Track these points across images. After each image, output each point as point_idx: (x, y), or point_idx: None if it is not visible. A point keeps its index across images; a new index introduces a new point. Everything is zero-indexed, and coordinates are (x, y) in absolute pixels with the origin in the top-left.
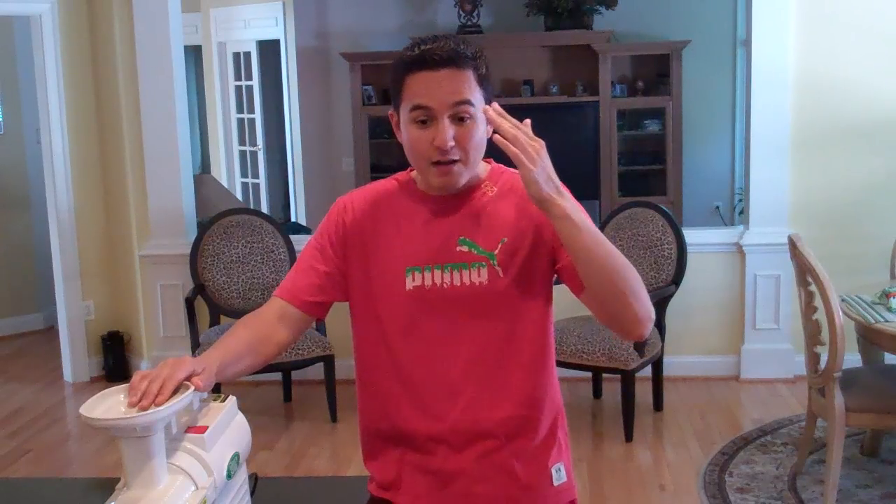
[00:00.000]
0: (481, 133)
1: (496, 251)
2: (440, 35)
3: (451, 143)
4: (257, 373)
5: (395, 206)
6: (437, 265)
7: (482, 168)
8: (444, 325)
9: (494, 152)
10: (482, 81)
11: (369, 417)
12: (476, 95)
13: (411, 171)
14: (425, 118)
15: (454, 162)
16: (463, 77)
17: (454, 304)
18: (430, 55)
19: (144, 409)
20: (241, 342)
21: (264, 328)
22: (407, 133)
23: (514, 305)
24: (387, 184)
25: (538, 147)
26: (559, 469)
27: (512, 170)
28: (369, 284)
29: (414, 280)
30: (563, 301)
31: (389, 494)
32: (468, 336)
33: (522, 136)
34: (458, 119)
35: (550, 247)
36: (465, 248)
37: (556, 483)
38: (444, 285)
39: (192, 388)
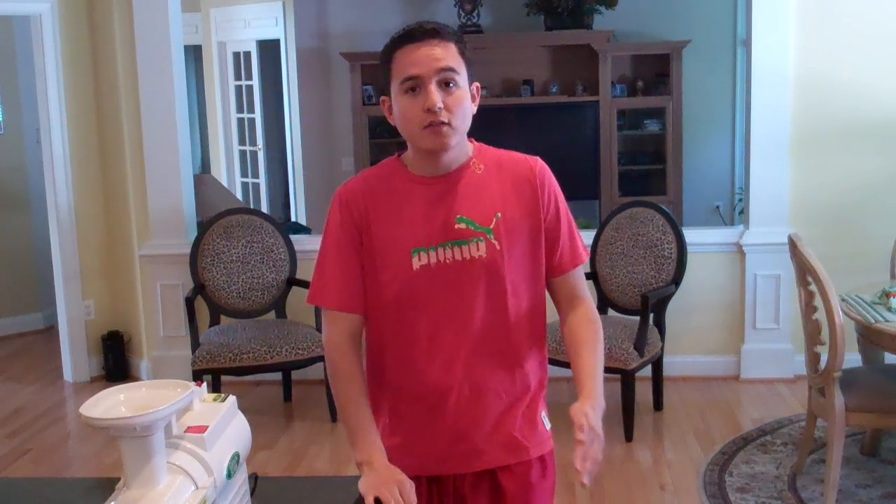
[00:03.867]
0: (468, 102)
1: (491, 226)
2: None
3: (440, 105)
4: (257, 373)
5: (392, 191)
6: (439, 244)
7: (469, 148)
8: (452, 296)
9: (475, 131)
10: (465, 57)
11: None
12: (460, 66)
13: (399, 155)
14: (414, 86)
15: (443, 124)
16: (447, 47)
17: (458, 275)
18: (414, 30)
19: None
20: (366, 398)
21: (358, 366)
22: (398, 105)
23: (511, 273)
24: (378, 170)
25: (598, 447)
26: (545, 417)
27: (494, 148)
28: (377, 267)
29: (420, 260)
30: None
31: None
32: (474, 303)
33: (592, 453)
34: (445, 84)
35: (539, 230)
36: (462, 226)
37: (547, 427)
38: (447, 261)
39: (192, 387)
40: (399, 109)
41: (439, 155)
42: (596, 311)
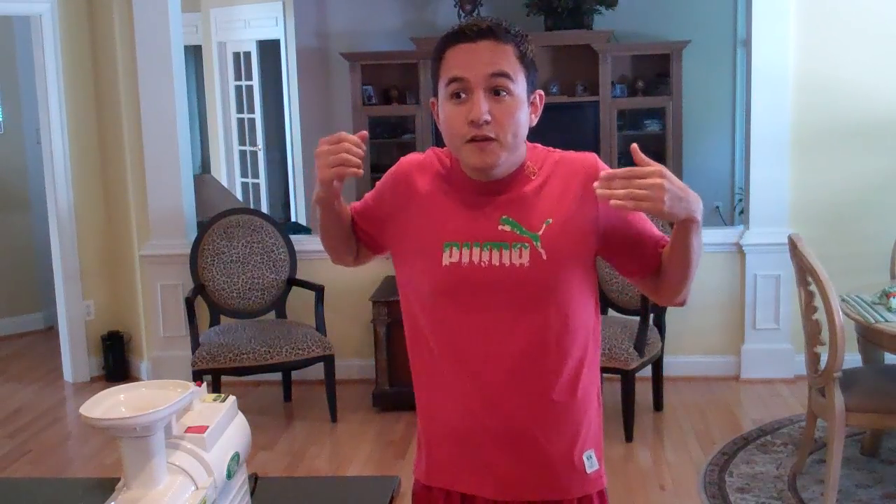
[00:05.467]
0: (523, 114)
1: (540, 232)
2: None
3: (487, 117)
4: (257, 373)
5: (441, 180)
6: (476, 242)
7: (523, 149)
8: (483, 306)
9: (536, 137)
10: (525, 62)
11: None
12: (517, 72)
13: None
14: (460, 91)
15: (489, 140)
16: (502, 50)
17: (492, 283)
18: (468, 27)
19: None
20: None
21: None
22: (443, 111)
23: (557, 289)
24: (446, 156)
25: (656, 178)
26: (589, 457)
27: (549, 149)
28: (407, 252)
29: (451, 256)
30: None
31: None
32: (509, 318)
33: (634, 186)
34: (495, 93)
35: (601, 232)
36: (507, 228)
37: (589, 469)
38: (483, 264)
39: (192, 387)
40: (443, 116)
41: (485, 172)
42: None
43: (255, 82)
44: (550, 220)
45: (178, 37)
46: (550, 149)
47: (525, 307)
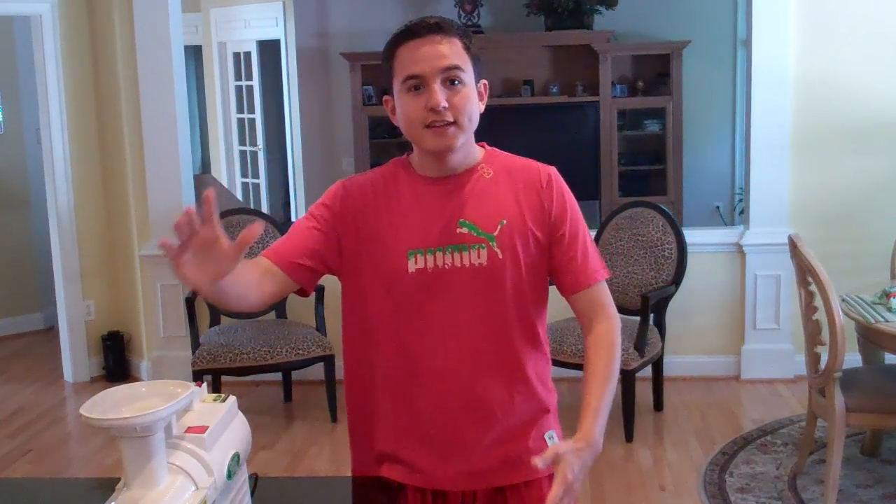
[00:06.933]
0: (475, 101)
1: (495, 233)
2: None
3: (444, 104)
4: (257, 373)
5: (393, 189)
6: (438, 248)
7: (477, 151)
8: (448, 305)
9: (483, 135)
10: (470, 53)
11: (360, 404)
12: (466, 63)
13: (408, 155)
14: (417, 85)
15: (449, 124)
16: (451, 43)
17: (455, 283)
18: (416, 25)
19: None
20: (244, 270)
21: (254, 275)
22: (401, 105)
23: (513, 285)
24: (384, 169)
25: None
26: (551, 436)
27: (506, 153)
28: (365, 267)
29: (416, 263)
30: (563, 301)
31: (384, 468)
32: (472, 314)
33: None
34: (450, 83)
35: (547, 242)
36: (465, 231)
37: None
38: (446, 266)
39: (192, 387)
40: (401, 109)
41: (444, 156)
42: (616, 332)
43: (255, 82)
44: (505, 222)
45: (178, 37)
46: (500, 151)
47: (485, 303)
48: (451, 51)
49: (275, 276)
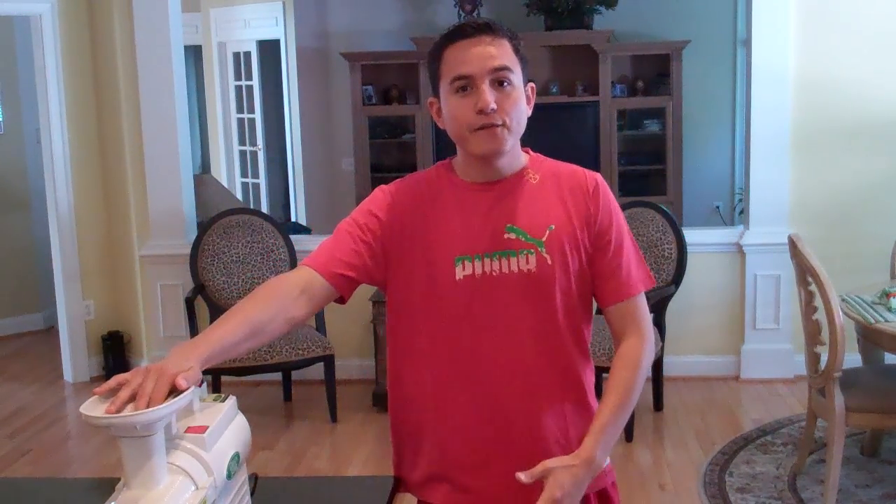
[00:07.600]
0: (523, 104)
1: (544, 238)
2: None
3: (493, 106)
4: (257, 373)
5: (438, 195)
6: (486, 254)
7: (523, 156)
8: (498, 311)
9: (531, 141)
10: (519, 55)
11: (407, 410)
12: (515, 65)
13: (451, 159)
14: (465, 86)
15: (497, 126)
16: (500, 44)
17: (505, 289)
18: (465, 25)
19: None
20: (245, 324)
21: (280, 302)
22: (448, 106)
23: (562, 291)
24: (427, 174)
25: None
26: None
27: (551, 159)
28: (414, 275)
29: (464, 269)
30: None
31: (426, 492)
32: (522, 322)
33: None
34: (499, 84)
35: (592, 249)
36: (512, 236)
37: (603, 464)
38: (494, 273)
39: (192, 387)
40: (448, 111)
41: (492, 160)
42: (645, 351)
43: (255, 82)
44: (553, 227)
45: (178, 37)
46: (545, 157)
47: (535, 311)
48: (501, 52)
49: (316, 290)
